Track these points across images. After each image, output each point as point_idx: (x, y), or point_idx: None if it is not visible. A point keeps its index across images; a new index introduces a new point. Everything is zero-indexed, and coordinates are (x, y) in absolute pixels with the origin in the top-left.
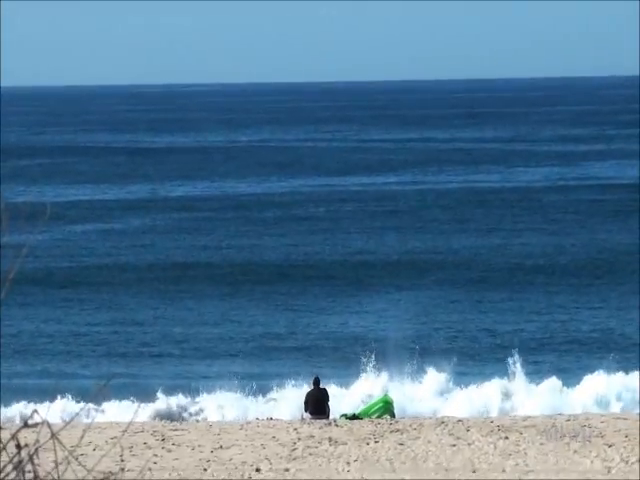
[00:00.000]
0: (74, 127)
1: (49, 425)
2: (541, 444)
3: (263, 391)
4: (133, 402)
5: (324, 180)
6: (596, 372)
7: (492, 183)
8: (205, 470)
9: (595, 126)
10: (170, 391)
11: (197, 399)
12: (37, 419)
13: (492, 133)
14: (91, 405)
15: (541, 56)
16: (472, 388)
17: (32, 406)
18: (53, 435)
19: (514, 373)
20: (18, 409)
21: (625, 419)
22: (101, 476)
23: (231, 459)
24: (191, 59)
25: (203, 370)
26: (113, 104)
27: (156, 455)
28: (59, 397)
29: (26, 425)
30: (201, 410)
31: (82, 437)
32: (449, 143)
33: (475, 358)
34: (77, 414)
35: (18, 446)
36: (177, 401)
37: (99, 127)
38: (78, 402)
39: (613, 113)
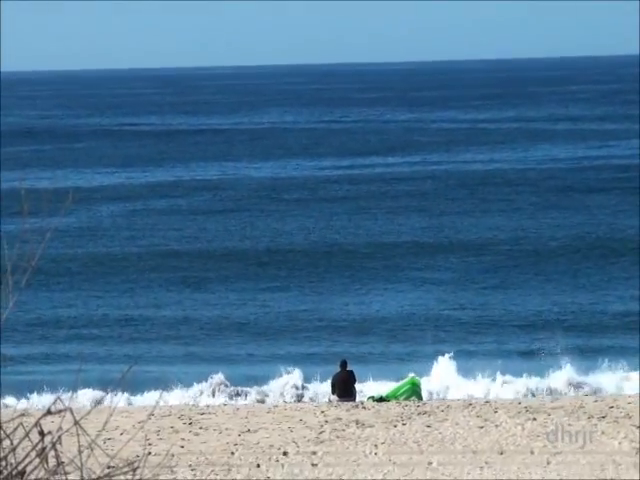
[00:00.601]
0: (99, 110)
1: (72, 412)
2: (569, 425)
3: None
4: (160, 389)
5: (347, 161)
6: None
7: (515, 164)
8: (232, 454)
9: (621, 105)
10: (196, 376)
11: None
12: (60, 406)
13: (514, 113)
14: (116, 391)
15: (558, 35)
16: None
17: (56, 393)
18: (76, 422)
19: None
20: (42, 396)
21: None
22: (124, 462)
23: (258, 442)
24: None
25: (232, 353)
26: (133, 87)
27: (183, 439)
28: (83, 384)
29: (49, 412)
30: (231, 394)
31: (106, 422)
32: (470, 123)
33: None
34: (100, 400)
35: (41, 433)
36: (201, 387)
37: (115, 110)
38: (102, 388)
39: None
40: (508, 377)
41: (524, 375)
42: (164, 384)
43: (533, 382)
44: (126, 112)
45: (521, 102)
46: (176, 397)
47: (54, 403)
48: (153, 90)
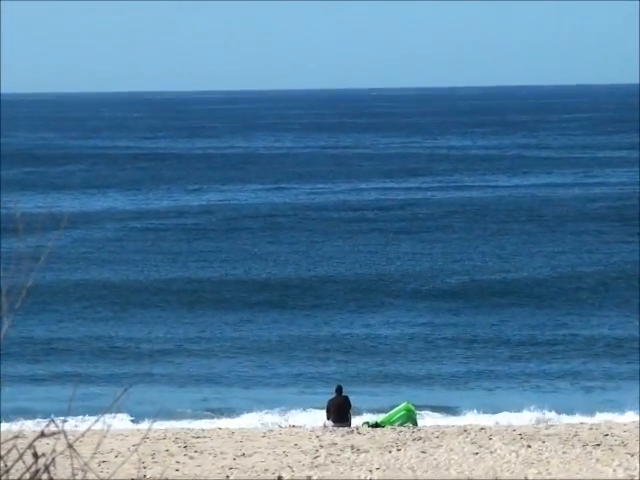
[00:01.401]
0: (91, 133)
1: (65, 434)
2: (564, 453)
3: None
4: (152, 412)
5: (341, 186)
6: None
7: (512, 189)
8: (227, 477)
9: (618, 133)
10: (191, 402)
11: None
12: (54, 428)
13: (509, 140)
14: (109, 414)
15: (554, 62)
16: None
17: (49, 415)
18: (70, 445)
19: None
20: (35, 418)
21: None
22: None
23: (253, 466)
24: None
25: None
26: (125, 110)
27: (178, 462)
28: (76, 406)
29: (43, 434)
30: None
31: (99, 445)
32: (466, 150)
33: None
34: (94, 423)
35: (35, 455)
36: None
37: (109, 133)
38: (94, 412)
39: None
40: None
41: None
42: (157, 408)
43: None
44: (119, 135)
45: (516, 129)
46: (170, 421)
47: (48, 425)
48: (144, 114)
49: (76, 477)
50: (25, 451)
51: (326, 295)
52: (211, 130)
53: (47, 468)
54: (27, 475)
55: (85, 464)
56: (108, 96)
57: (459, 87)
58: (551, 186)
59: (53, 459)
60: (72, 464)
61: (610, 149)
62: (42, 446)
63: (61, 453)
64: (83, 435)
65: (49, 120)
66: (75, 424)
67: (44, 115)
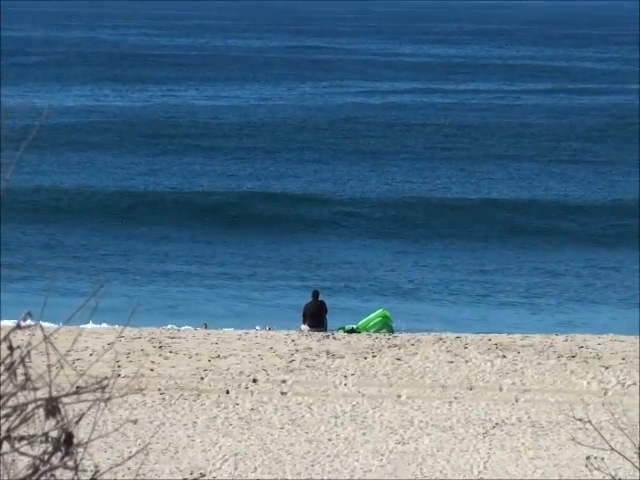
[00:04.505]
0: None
1: (42, 327)
2: (538, 364)
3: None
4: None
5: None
6: None
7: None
8: (202, 379)
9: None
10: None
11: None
12: (30, 322)
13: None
14: (86, 308)
15: None
16: None
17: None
18: (46, 338)
19: None
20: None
21: (622, 341)
22: (94, 380)
23: (228, 369)
24: None
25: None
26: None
27: (153, 362)
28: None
29: (19, 327)
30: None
31: (75, 340)
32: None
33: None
34: (69, 318)
35: (10, 347)
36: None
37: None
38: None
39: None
40: None
41: None
42: (136, 306)
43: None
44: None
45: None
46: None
47: (24, 318)
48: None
49: (52, 371)
50: (0, 343)
51: (311, 215)
52: None
53: (23, 360)
54: (2, 367)
55: (62, 357)
56: None
57: None
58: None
59: (29, 352)
60: (48, 357)
61: None
62: (17, 340)
63: (36, 346)
64: (59, 329)
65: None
66: (52, 319)
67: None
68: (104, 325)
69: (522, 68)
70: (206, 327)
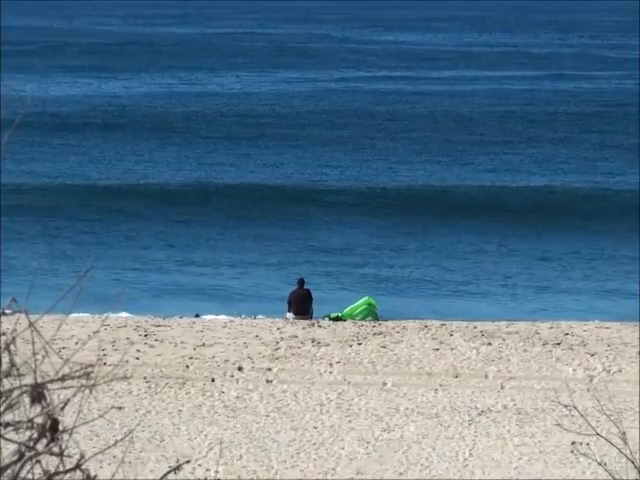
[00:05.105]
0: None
1: (27, 314)
2: (524, 351)
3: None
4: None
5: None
6: None
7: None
8: (187, 367)
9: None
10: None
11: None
12: (15, 307)
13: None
14: (70, 296)
15: None
16: None
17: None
18: (31, 324)
19: None
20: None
21: (607, 328)
22: (79, 367)
23: (214, 357)
24: None
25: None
26: None
27: (138, 350)
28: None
29: (3, 313)
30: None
31: (59, 327)
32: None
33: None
34: (55, 304)
35: None
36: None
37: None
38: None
39: None
40: None
41: None
42: (121, 294)
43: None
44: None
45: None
46: (131, 308)
47: (9, 304)
48: None
49: (37, 358)
50: None
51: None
52: None
53: (8, 347)
54: None
55: (47, 343)
56: None
57: None
58: None
59: (14, 338)
60: (33, 343)
61: None
62: (2, 326)
63: (22, 332)
64: (43, 316)
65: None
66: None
67: None
68: (87, 315)
69: (505, 55)
70: (198, 317)
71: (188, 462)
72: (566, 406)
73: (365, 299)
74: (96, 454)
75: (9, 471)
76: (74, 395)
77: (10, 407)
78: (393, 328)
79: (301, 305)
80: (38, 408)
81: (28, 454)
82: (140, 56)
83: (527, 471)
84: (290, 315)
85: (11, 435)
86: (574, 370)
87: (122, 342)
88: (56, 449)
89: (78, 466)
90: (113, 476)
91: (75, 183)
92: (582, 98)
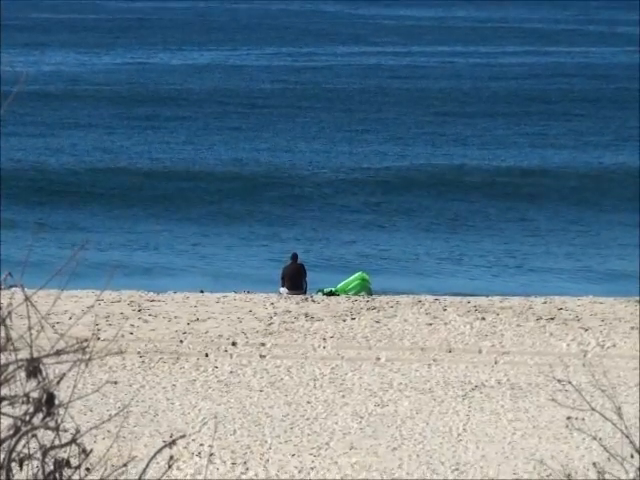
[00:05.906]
0: None
1: (23, 288)
2: (518, 326)
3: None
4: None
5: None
6: None
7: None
8: (181, 342)
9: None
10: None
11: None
12: (11, 282)
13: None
14: (65, 271)
15: None
16: None
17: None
18: (27, 298)
19: None
20: None
21: (601, 303)
22: (74, 341)
23: (207, 332)
24: None
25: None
26: None
27: (132, 325)
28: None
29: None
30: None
31: (55, 302)
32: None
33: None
34: (50, 279)
35: None
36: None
37: None
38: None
39: None
40: None
41: None
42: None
43: None
44: None
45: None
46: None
47: (4, 278)
48: None
49: (32, 332)
50: None
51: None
52: None
53: (4, 321)
54: None
55: (42, 317)
56: None
57: None
58: None
59: (9, 312)
60: (29, 318)
61: None
62: None
63: (18, 307)
64: (38, 291)
65: None
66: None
67: None
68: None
69: (498, 30)
70: (202, 292)
71: (183, 437)
72: (560, 381)
73: (358, 274)
74: (91, 429)
75: (5, 445)
76: (69, 370)
77: (6, 381)
78: (387, 303)
79: (294, 280)
80: (34, 382)
81: (24, 428)
82: (132, 31)
83: (521, 446)
84: (283, 290)
85: (7, 409)
86: (568, 345)
87: (116, 317)
88: (52, 423)
89: (74, 440)
90: (108, 451)
91: (65, 161)
92: (575, 73)
